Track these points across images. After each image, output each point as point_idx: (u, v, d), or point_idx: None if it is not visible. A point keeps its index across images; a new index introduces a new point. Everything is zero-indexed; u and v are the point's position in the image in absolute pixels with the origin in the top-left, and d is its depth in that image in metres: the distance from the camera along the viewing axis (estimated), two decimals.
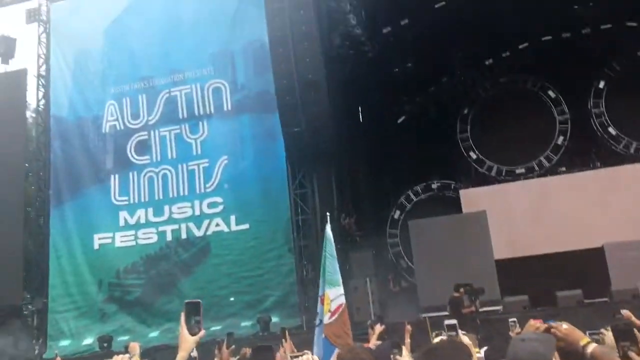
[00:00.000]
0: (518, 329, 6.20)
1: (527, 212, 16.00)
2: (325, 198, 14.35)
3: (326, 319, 5.57)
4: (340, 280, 5.83)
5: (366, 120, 17.84)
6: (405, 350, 3.63)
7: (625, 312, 6.12)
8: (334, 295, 5.63)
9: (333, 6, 13.47)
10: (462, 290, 10.68)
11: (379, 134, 17.87)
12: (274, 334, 11.69)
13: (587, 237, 15.03)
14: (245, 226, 14.61)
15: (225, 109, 15.45)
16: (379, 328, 7.05)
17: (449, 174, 17.71)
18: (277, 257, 14.17)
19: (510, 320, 6.55)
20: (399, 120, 18.21)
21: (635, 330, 2.71)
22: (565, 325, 2.85)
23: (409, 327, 6.97)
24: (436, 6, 15.29)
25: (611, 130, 16.44)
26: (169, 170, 15.64)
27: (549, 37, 16.51)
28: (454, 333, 4.18)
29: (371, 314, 12.83)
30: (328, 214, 5.97)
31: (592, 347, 2.76)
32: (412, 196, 17.83)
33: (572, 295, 11.84)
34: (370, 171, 17.65)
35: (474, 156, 17.50)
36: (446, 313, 11.40)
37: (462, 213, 16.25)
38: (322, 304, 5.78)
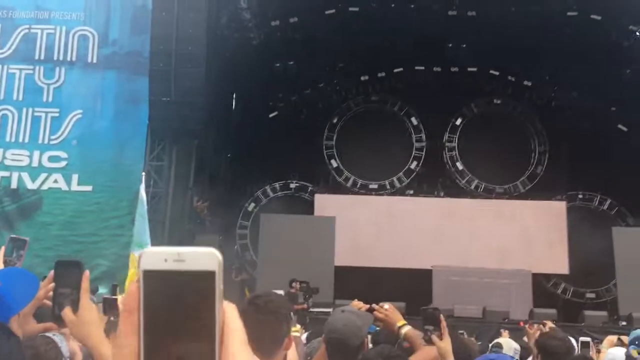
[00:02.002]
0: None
1: (372, 226, 16.88)
2: (182, 176, 13.94)
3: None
4: (149, 242, 5.48)
5: (239, 107, 17.68)
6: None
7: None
8: None
9: None
10: (296, 285, 10.94)
11: (249, 124, 17.80)
12: (98, 305, 11.05)
13: (420, 259, 16.22)
14: (88, 188, 13.65)
15: (89, 60, 14.36)
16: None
17: (308, 176, 18.13)
18: (117, 226, 13.38)
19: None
20: (271, 115, 18.27)
21: (442, 316, 2.93)
22: (387, 306, 3.00)
23: None
24: (326, 12, 15.63)
25: (459, 164, 17.91)
26: (11, 112, 14.14)
27: (422, 68, 17.60)
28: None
29: None
30: (143, 172, 5.63)
31: (406, 329, 2.94)
32: (270, 191, 17.99)
33: (396, 307, 12.51)
34: (233, 159, 17.50)
35: (334, 164, 18.10)
36: None
37: (313, 215, 16.75)
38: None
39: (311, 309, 11.56)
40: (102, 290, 12.75)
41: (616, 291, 14.32)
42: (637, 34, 15.83)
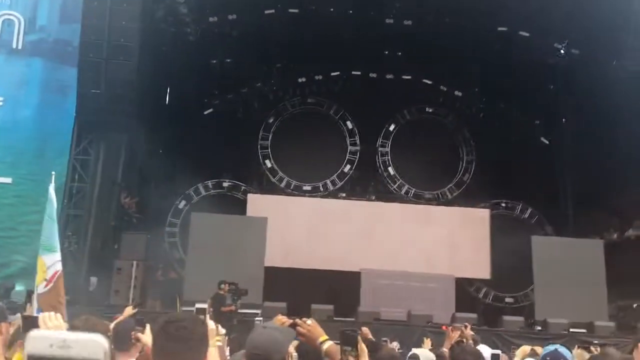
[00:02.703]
0: None
1: (304, 228, 16.94)
2: (110, 171, 13.48)
3: (41, 289, 4.96)
4: (58, 246, 5.21)
5: (172, 102, 17.27)
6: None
7: (364, 329, 6.78)
8: (50, 262, 5.02)
9: None
10: (224, 287, 10.84)
11: (183, 120, 17.44)
12: (15, 303, 10.51)
13: (349, 261, 16.43)
14: (7, 180, 12.97)
15: (14, 46, 13.65)
16: (129, 310, 6.75)
17: (242, 176, 17.98)
18: (37, 222, 12.71)
19: (256, 319, 6.77)
20: (206, 112, 17.99)
21: (359, 338, 2.97)
22: (309, 322, 3.02)
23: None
24: (265, 12, 15.54)
25: (390, 169, 18.27)
26: None
27: (358, 73, 17.84)
28: (201, 316, 4.17)
29: (130, 299, 12.30)
30: (53, 173, 5.38)
31: (327, 345, 2.97)
32: (202, 189, 17.70)
33: (324, 309, 12.72)
34: (165, 155, 17.06)
35: (269, 164, 18.04)
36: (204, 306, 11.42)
37: (245, 215, 16.61)
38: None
39: (239, 310, 11.45)
40: (19, 288, 12.20)
41: (533, 297, 15.02)
42: (562, 51, 16.70)
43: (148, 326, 3.42)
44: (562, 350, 3.26)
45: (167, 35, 14.85)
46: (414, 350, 4.01)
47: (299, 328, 3.00)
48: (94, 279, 12.70)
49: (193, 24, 15.01)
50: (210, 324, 3.91)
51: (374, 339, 6.34)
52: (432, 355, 4.05)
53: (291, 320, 3.05)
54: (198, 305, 4.20)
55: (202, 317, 3.96)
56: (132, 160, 14.36)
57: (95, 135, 13.17)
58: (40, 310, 4.70)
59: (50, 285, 4.86)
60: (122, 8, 12.21)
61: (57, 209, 12.52)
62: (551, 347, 3.32)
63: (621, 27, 14.16)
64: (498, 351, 4.43)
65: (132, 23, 12.43)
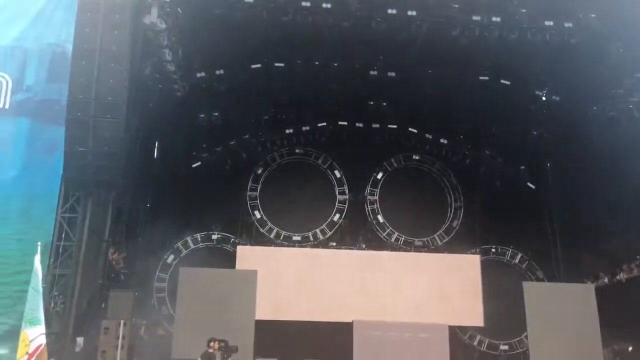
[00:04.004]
0: None
1: (294, 278, 16.80)
2: (97, 228, 13.34)
3: None
4: (43, 319, 5.08)
5: (160, 157, 17.31)
6: None
7: None
8: (33, 335, 4.90)
9: (150, 36, 13.08)
10: (213, 345, 10.65)
11: (171, 174, 17.48)
12: None
13: (341, 311, 16.26)
14: None
15: (0, 105, 13.72)
16: None
17: (231, 228, 17.91)
18: (23, 282, 12.49)
19: None
20: (194, 165, 18.04)
21: None
22: None
23: None
24: (252, 67, 15.84)
25: (380, 217, 18.29)
26: None
27: (345, 123, 18.09)
28: None
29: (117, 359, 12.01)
30: (39, 243, 5.29)
31: None
32: (191, 243, 17.59)
33: None
34: (153, 210, 17.01)
35: (258, 215, 18.01)
36: None
37: (235, 268, 16.46)
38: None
39: None
40: (3, 352, 11.88)
41: (527, 343, 14.84)
42: (543, 98, 17.06)
43: None
44: None
45: (155, 91, 15.02)
46: None
47: None
48: (80, 340, 12.40)
49: (181, 80, 15.22)
50: None
51: None
52: None
53: None
54: None
55: None
56: (120, 216, 14.27)
57: (82, 193, 13.09)
58: None
59: (33, 359, 4.73)
60: (109, 67, 12.34)
61: (45, 268, 12.42)
62: None
63: (598, 76, 14.57)
64: None
65: (120, 81, 12.53)
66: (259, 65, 15.93)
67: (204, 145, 18.11)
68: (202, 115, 17.32)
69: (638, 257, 14.78)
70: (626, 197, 14.50)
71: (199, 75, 15.96)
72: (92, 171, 12.75)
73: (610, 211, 15.05)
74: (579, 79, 15.20)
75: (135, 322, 13.55)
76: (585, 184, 16.13)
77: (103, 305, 13.27)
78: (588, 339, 13.99)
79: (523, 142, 18.07)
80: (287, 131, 18.36)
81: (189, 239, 17.55)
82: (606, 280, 15.79)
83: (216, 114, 17.35)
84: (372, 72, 15.95)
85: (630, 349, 14.49)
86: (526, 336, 15.26)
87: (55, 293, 12.53)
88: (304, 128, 18.34)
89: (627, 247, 14.69)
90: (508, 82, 16.20)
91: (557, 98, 16.71)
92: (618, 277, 15.42)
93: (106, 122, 12.48)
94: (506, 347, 17.10)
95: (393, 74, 15.90)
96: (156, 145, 17.19)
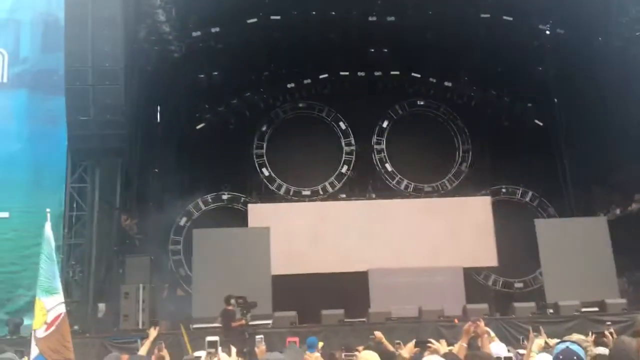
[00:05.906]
0: (263, 346, 6.42)
1: (306, 233, 16.91)
2: (107, 195, 13.40)
3: (41, 333, 4.75)
4: (60, 287, 4.95)
5: (164, 120, 17.22)
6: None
7: (377, 334, 6.74)
8: (51, 305, 4.77)
9: None
10: (233, 302, 10.80)
11: (176, 137, 17.43)
12: (25, 338, 10.47)
13: (356, 261, 16.41)
14: (5, 215, 12.90)
15: None
16: (153, 332, 6.80)
17: (240, 187, 17.95)
18: (38, 254, 12.69)
19: (257, 337, 6.75)
20: (198, 127, 17.95)
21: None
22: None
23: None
24: (248, 21, 15.50)
25: (388, 166, 18.23)
26: None
27: (347, 73, 17.80)
28: (213, 350, 4.15)
29: (139, 323, 12.26)
30: (48, 210, 5.19)
31: None
32: (201, 204, 17.67)
33: (334, 314, 12.68)
34: (161, 174, 17.02)
35: (266, 173, 18.01)
36: (217, 325, 11.41)
37: (247, 227, 16.58)
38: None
39: (250, 323, 11.39)
40: (27, 322, 12.12)
41: (542, 279, 14.97)
42: (547, 32, 16.65)
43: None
44: (574, 347, 3.23)
45: (152, 54, 14.79)
46: (426, 358, 3.97)
47: None
48: (102, 306, 12.65)
49: (177, 40, 14.96)
50: (224, 356, 3.88)
51: (388, 345, 6.30)
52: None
53: None
54: (209, 339, 4.16)
55: (213, 350, 3.93)
56: (129, 182, 14.31)
57: (89, 162, 13.10)
58: (40, 355, 4.56)
59: (52, 329, 4.67)
60: (103, 33, 12.14)
61: (60, 238, 12.54)
62: (562, 345, 3.29)
63: (603, 4, 14.14)
64: (511, 355, 4.37)
65: (115, 47, 12.36)
66: (255, 20, 15.59)
67: (206, 106, 17.96)
68: (202, 76, 17.09)
69: None
70: (635, 128, 14.32)
71: (194, 34, 15.65)
72: (97, 140, 12.73)
73: (619, 143, 14.89)
74: (582, 10, 14.77)
75: (157, 285, 13.78)
76: (593, 118, 15.92)
77: (121, 271, 13.48)
78: (602, 271, 14.05)
79: (529, 79, 17.76)
80: (289, 85, 18.11)
81: (199, 200, 17.63)
82: (618, 211, 15.77)
83: (215, 73, 17.11)
84: (370, 19, 15.59)
85: None
86: (540, 273, 15.38)
87: (72, 262, 12.72)
88: (305, 81, 18.08)
89: (638, 178, 14.60)
90: (510, 19, 15.79)
91: (562, 31, 16.29)
92: (630, 208, 15.39)
93: (106, 90, 12.38)
94: (521, 285, 17.28)
95: (392, 18, 15.53)
96: (158, 109, 17.07)
